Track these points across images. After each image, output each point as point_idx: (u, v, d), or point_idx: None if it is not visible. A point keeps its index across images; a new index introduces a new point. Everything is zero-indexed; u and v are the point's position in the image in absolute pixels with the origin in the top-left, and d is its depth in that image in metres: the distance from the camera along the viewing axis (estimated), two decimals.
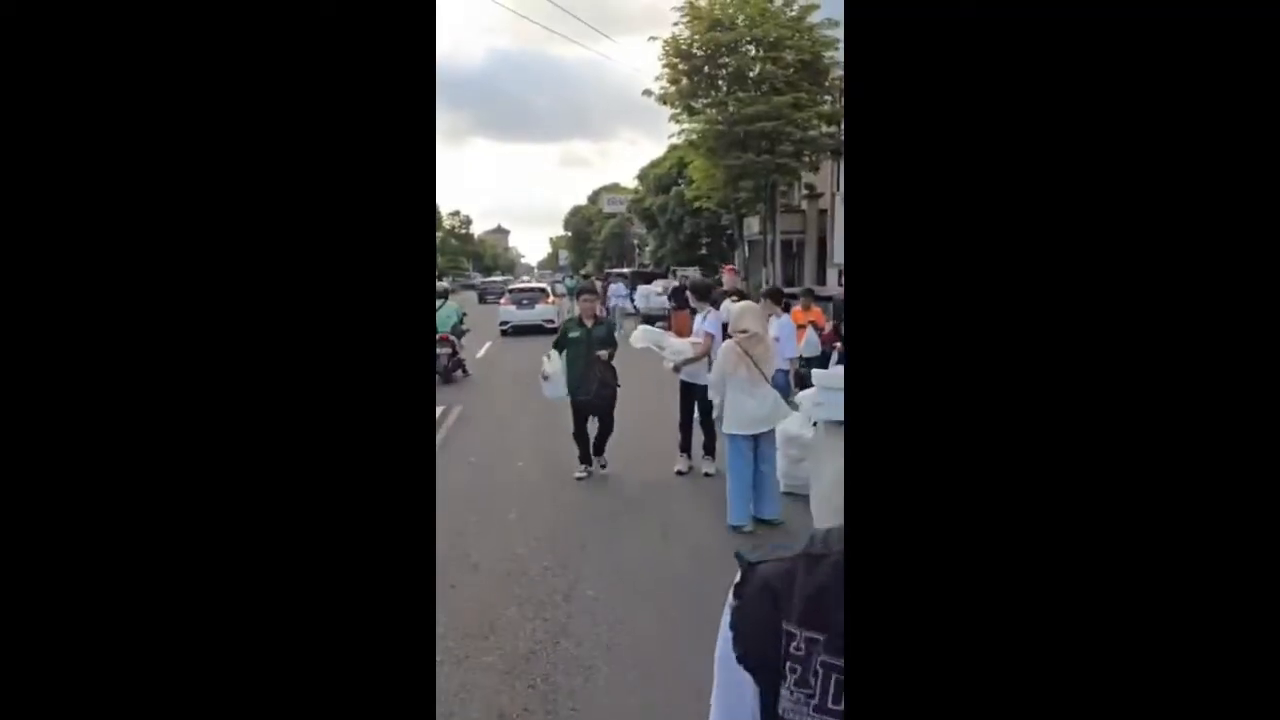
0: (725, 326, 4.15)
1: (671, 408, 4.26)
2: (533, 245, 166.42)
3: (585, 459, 4.31)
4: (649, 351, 4.20)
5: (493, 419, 6.08)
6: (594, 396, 4.19)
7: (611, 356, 4.28)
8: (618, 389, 4.30)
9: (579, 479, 4.08)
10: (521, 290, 15.80)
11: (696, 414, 4.24)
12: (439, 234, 40.62)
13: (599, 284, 15.77)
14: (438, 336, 8.46)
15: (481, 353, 11.35)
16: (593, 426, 4.34)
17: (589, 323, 4.36)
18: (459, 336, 8.97)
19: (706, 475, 4.18)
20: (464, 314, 9.52)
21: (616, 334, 4.66)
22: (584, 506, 3.59)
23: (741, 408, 3.34)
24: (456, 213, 50.45)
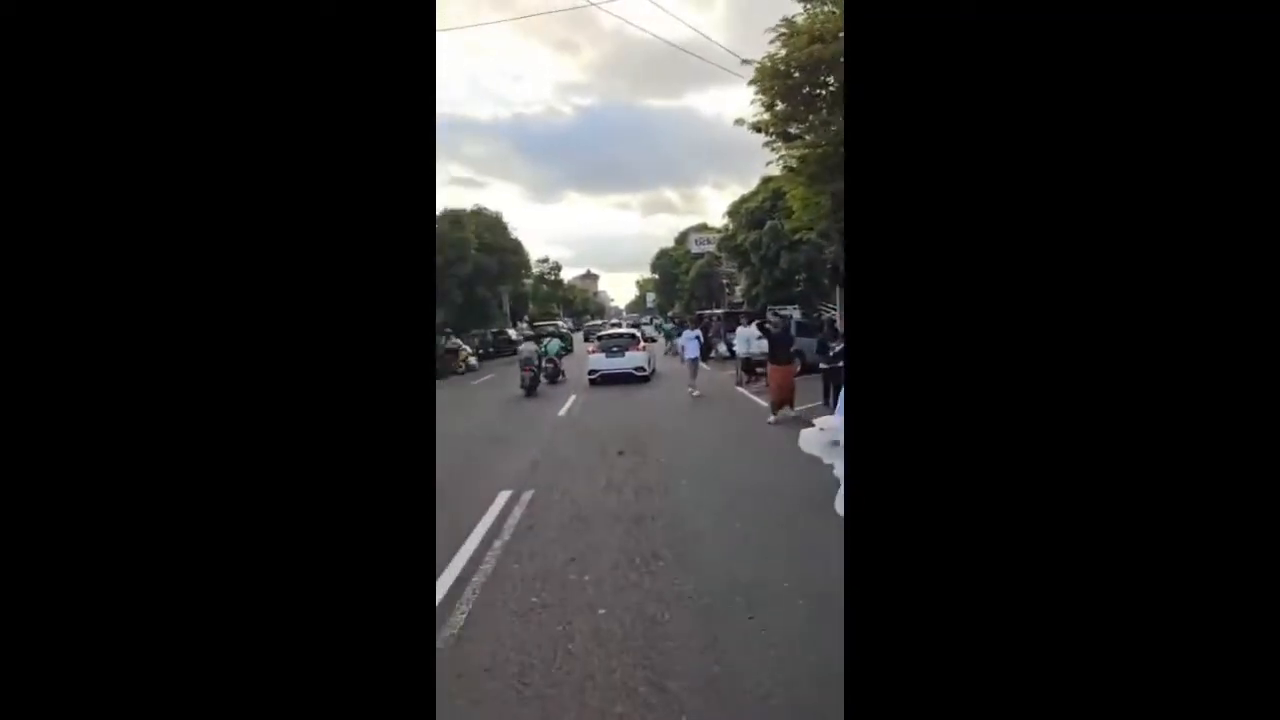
0: None
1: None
2: (621, 289, 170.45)
3: None
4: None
5: (567, 509, 4.72)
6: None
7: None
8: None
9: None
10: (611, 337, 14.66)
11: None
12: (528, 281, 41.14)
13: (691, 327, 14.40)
14: (545, 360, 13.77)
15: (564, 410, 10.18)
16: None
17: None
18: (560, 357, 14.72)
19: None
20: (568, 343, 14.22)
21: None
22: None
23: None
24: (545, 259, 51.25)
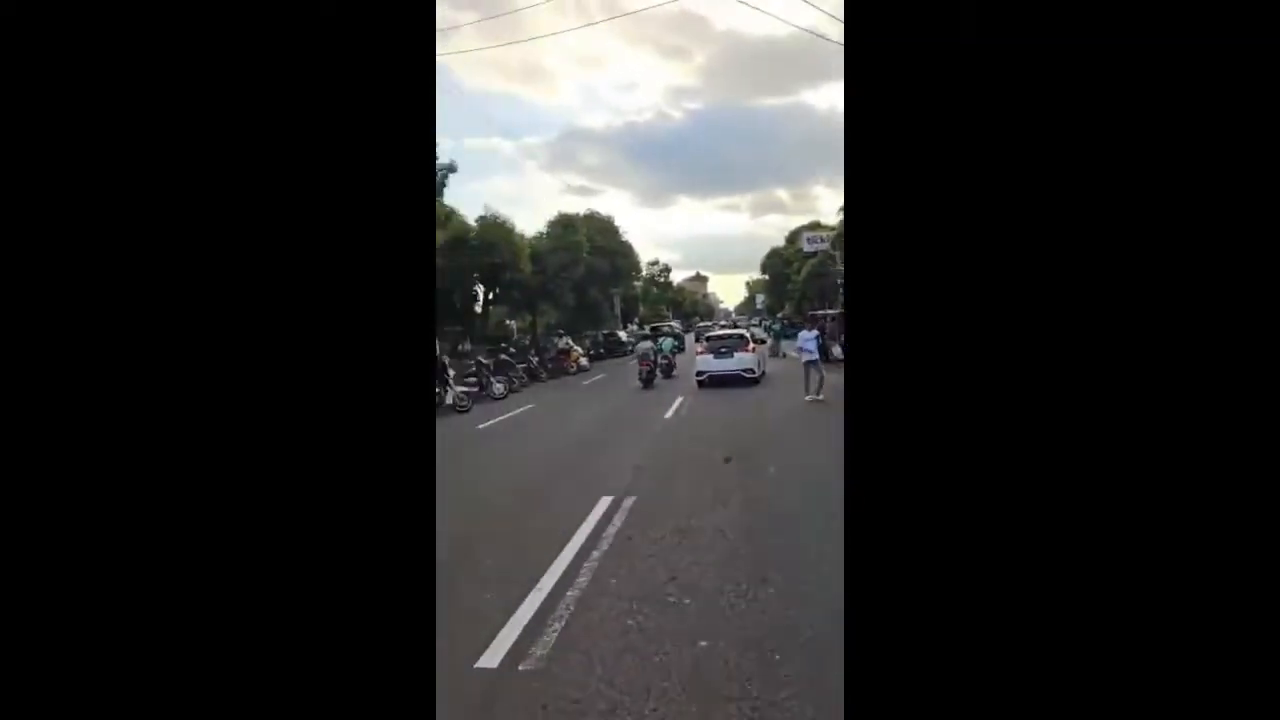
0: None
1: None
2: (730, 290, 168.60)
3: None
4: None
5: (669, 520, 4.43)
6: None
7: None
8: None
9: None
10: (719, 338, 14.22)
11: None
12: (639, 284, 41.57)
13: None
14: (661, 358, 14.83)
15: (670, 412, 9.93)
16: None
17: None
18: (673, 354, 15.97)
19: None
20: (680, 342, 17.00)
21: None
22: None
23: None
24: (655, 262, 51.58)
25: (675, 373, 15.27)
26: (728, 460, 6.23)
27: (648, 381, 13.75)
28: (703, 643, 2.73)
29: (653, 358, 14.21)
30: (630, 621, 2.97)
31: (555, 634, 2.89)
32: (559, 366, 18.47)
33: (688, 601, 3.15)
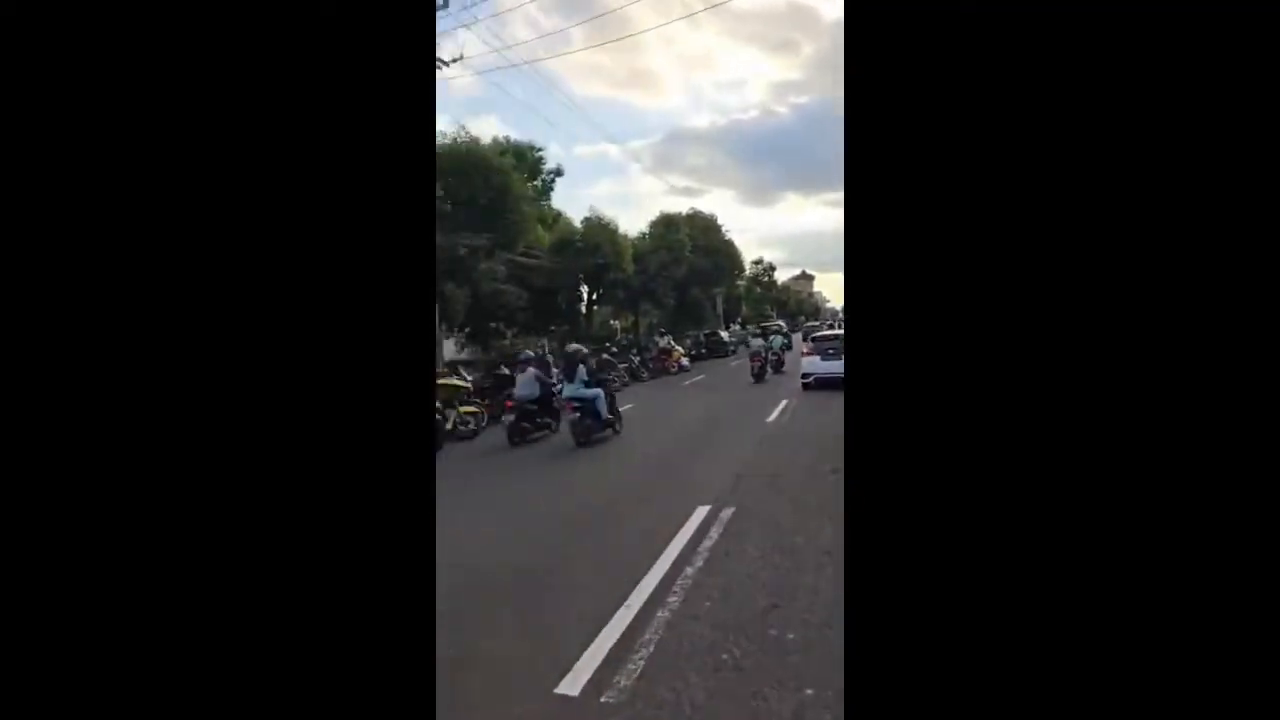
0: None
1: None
2: (838, 289, 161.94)
3: None
4: None
5: (770, 536, 4.07)
6: None
7: None
8: None
9: None
10: (826, 338, 13.45)
11: None
12: (742, 283, 40.77)
13: None
14: (771, 354, 15.90)
15: (773, 416, 9.45)
16: None
17: None
18: (783, 351, 17.14)
19: None
20: (788, 340, 18.91)
21: None
22: None
23: None
24: (759, 260, 50.29)
25: (785, 368, 16.40)
26: (835, 472, 5.73)
27: (759, 376, 14.88)
28: (808, 690, 2.38)
29: (763, 354, 15.47)
30: (724, 655, 2.68)
31: (642, 661, 2.66)
32: (660, 366, 18.35)
33: (790, 636, 2.80)
